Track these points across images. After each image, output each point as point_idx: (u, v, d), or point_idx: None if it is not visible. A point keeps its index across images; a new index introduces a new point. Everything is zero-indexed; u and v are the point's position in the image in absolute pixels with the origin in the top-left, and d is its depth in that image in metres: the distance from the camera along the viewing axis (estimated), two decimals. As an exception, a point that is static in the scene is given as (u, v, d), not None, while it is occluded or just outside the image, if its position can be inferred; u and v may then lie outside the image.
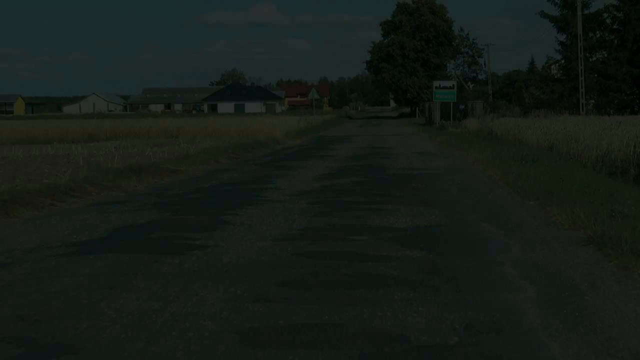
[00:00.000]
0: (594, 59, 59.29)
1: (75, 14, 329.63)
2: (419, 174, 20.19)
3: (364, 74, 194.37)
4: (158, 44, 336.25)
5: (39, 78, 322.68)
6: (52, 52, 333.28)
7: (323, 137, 47.98)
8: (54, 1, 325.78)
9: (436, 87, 57.48)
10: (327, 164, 23.68)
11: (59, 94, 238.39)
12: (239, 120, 61.03)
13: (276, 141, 41.48)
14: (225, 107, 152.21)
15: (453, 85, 57.69)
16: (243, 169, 23.00)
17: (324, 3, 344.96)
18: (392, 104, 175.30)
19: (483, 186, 16.83)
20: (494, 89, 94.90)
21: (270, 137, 45.27)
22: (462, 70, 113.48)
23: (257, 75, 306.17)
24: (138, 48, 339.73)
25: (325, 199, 14.65)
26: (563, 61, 59.89)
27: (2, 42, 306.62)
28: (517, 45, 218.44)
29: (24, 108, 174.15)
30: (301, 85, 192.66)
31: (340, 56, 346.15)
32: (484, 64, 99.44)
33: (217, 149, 30.94)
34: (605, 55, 59.33)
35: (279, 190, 16.28)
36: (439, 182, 17.78)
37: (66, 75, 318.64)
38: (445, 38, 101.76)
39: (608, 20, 59.89)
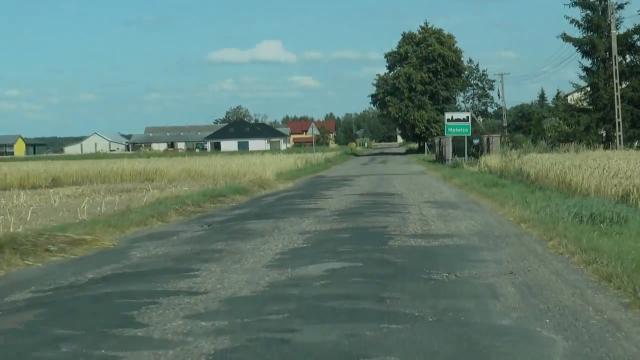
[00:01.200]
0: (624, 85, 51.74)
1: (83, 56, 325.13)
2: (441, 248, 12.59)
3: (371, 110, 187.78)
4: (164, 83, 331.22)
5: (46, 119, 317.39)
6: (59, 94, 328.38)
7: (319, 179, 40.49)
8: (62, 43, 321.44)
9: (448, 120, 50.06)
10: (305, 227, 16.17)
11: (65, 134, 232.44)
12: (231, 160, 53.72)
13: (262, 185, 34.26)
14: (229, 145, 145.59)
15: (467, 117, 50.29)
16: (181, 236, 15.48)
17: (330, 40, 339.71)
18: (400, 139, 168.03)
19: (562, 283, 9.17)
20: (494, 124, 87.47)
21: (257, 180, 38.26)
22: (472, 103, 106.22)
23: (262, 113, 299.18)
24: (145, 88, 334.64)
25: (258, 335, 7.09)
26: (589, 89, 52.43)
27: (8, 83, 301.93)
28: (528, 76, 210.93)
29: (24, 149, 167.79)
30: (307, 122, 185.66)
31: (347, 92, 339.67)
32: (498, 95, 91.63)
33: (176, 200, 23.77)
34: (637, 82, 51.85)
35: (191, 297, 8.78)
36: (476, 270, 10.19)
37: (73, 116, 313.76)
38: (454, 69, 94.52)
39: (639, 43, 52.49)
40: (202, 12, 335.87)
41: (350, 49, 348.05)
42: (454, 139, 52.17)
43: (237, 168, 44.30)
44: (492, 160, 37.63)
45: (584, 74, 53.09)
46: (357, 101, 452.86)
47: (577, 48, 53.09)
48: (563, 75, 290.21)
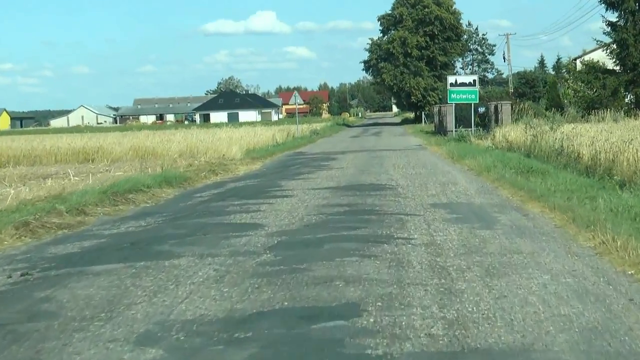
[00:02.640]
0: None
1: (74, 28, 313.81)
2: None
3: (366, 79, 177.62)
4: (159, 55, 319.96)
5: (39, 92, 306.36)
6: (53, 67, 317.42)
7: (295, 159, 31.68)
8: (53, 15, 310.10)
9: (451, 85, 40.86)
10: (173, 311, 7.35)
11: (58, 107, 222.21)
12: (196, 133, 44.71)
13: (216, 169, 25.82)
14: (218, 116, 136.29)
15: (474, 81, 41.08)
16: None
17: (324, 10, 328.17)
18: (395, 109, 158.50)
19: None
20: (507, 89, 77.83)
21: (216, 161, 29.79)
22: (471, 69, 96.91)
23: (255, 84, 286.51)
24: (139, 60, 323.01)
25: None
26: (615, 46, 43.27)
27: (1, 57, 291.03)
28: (531, 37, 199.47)
29: (9, 123, 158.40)
30: (300, 92, 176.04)
31: (342, 63, 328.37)
32: (504, 58, 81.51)
33: (52, 201, 15.26)
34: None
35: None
36: None
37: (65, 90, 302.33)
38: (453, 32, 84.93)
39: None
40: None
41: (345, 19, 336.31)
42: (457, 107, 43.21)
43: (198, 144, 35.42)
44: (512, 132, 28.70)
45: (608, 29, 43.89)
46: (352, 71, 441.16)
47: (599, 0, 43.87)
48: (560, 42, 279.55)
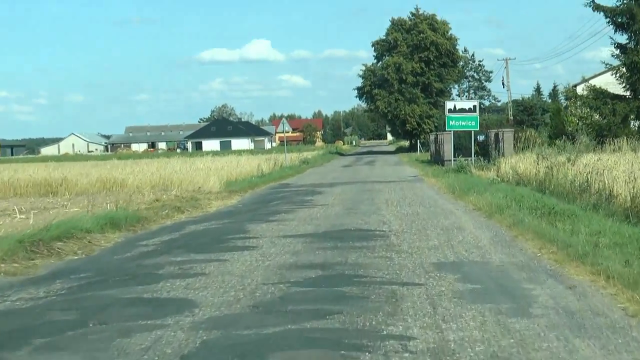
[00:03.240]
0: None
1: (70, 57, 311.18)
2: None
3: (360, 107, 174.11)
4: (154, 83, 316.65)
5: (32, 120, 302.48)
6: (46, 95, 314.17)
7: (278, 192, 28.13)
8: (51, 44, 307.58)
9: (450, 111, 37.31)
10: None
11: (51, 135, 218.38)
12: (175, 163, 41.10)
13: (183, 206, 22.30)
14: (210, 144, 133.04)
15: (474, 106, 37.55)
16: None
17: (320, 39, 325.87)
18: (390, 137, 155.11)
19: None
20: (505, 116, 74.23)
21: (189, 194, 26.45)
22: (468, 96, 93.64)
23: (249, 111, 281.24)
24: (133, 88, 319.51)
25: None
26: (625, 70, 39.85)
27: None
28: (529, 62, 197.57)
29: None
30: (293, 120, 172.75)
31: (337, 91, 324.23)
32: (503, 84, 77.36)
33: None
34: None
35: None
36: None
37: (60, 117, 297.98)
38: (449, 58, 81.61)
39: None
40: (192, 11, 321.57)
41: (340, 48, 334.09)
42: (455, 135, 39.75)
43: (173, 176, 31.77)
44: (520, 163, 25.15)
45: (617, 52, 40.49)
46: (347, 99, 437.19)
47: (608, 20, 40.50)
48: (554, 71, 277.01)
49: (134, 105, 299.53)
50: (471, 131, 40.11)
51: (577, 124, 43.89)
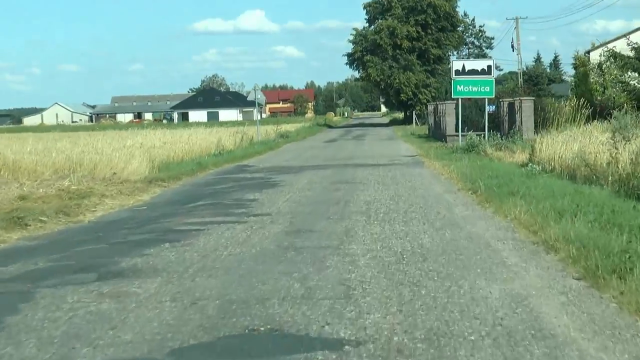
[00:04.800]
0: None
1: (64, 27, 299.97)
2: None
3: (353, 78, 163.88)
4: (147, 54, 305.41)
5: (24, 90, 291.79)
6: (40, 65, 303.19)
7: (217, 182, 19.41)
8: (41, 14, 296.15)
9: (457, 73, 28.18)
10: None
11: (42, 104, 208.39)
12: (122, 135, 32.21)
13: (65, 207, 13.28)
14: (197, 115, 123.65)
15: (489, 67, 28.35)
16: None
17: (314, 10, 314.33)
18: (384, 108, 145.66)
19: None
20: (516, 83, 64.81)
21: (79, 186, 17.38)
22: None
23: (240, 82, 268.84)
24: (127, 59, 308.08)
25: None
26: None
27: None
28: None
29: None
30: (284, 91, 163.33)
31: (331, 62, 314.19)
32: (512, 47, 67.24)
33: None
34: None
35: None
36: None
37: (51, 88, 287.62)
38: (448, 22, 72.20)
39: None
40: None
41: (334, 19, 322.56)
42: (463, 104, 30.67)
43: (85, 157, 22.77)
44: (570, 145, 16.25)
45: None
46: (340, 71, 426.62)
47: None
48: (549, 44, 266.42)
49: (128, 75, 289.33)
50: (479, 99, 31.34)
51: (608, 91, 35.01)
